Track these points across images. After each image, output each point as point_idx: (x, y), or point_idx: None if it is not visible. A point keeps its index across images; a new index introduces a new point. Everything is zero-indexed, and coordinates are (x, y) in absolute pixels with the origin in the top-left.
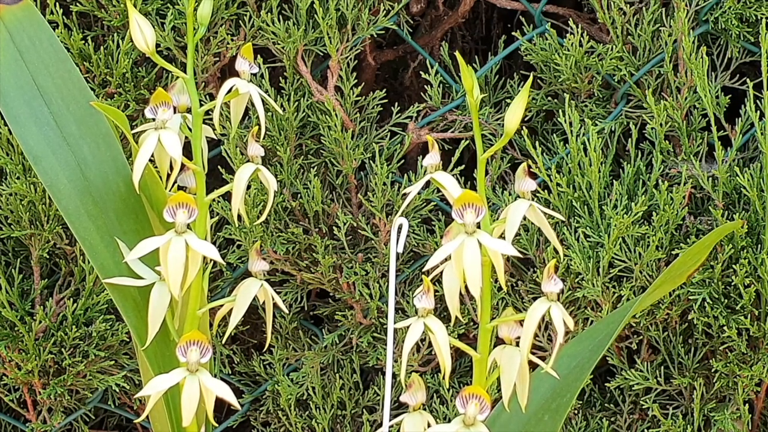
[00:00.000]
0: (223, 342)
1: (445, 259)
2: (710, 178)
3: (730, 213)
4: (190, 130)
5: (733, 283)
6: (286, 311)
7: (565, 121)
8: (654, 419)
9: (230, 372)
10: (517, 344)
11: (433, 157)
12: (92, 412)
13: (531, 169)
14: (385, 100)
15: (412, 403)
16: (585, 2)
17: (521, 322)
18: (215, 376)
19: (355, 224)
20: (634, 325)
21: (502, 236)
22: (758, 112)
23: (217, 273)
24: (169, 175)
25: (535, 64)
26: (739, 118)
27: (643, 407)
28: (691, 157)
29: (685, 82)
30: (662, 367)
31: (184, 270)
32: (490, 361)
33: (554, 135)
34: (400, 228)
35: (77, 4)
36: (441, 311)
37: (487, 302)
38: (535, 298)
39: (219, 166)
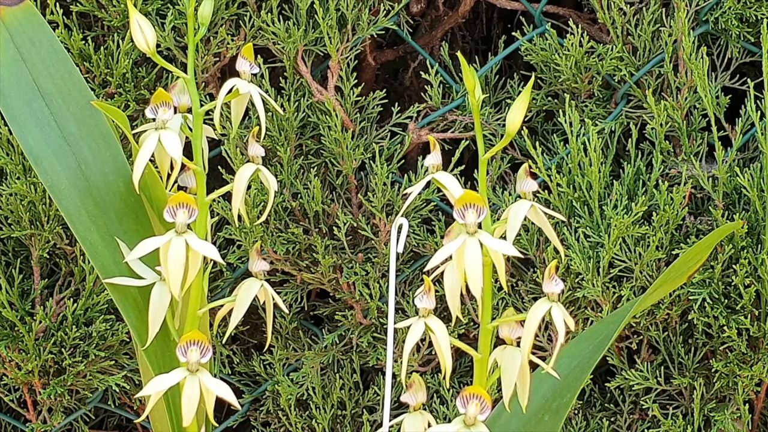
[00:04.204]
0: (223, 342)
1: (446, 259)
2: (710, 178)
3: (730, 213)
4: (191, 130)
5: (733, 283)
6: (286, 311)
7: (565, 121)
8: (654, 419)
9: (230, 372)
10: (518, 344)
11: (434, 158)
12: (92, 412)
13: (531, 170)
14: (385, 100)
15: (413, 403)
16: (585, 2)
17: (522, 323)
18: (215, 376)
19: (355, 224)
20: (634, 325)
21: (502, 236)
22: (758, 112)
23: (217, 273)
24: (169, 175)
25: (535, 64)
26: (739, 118)
27: (643, 407)
28: (691, 157)
29: (685, 82)
30: (662, 367)
31: (184, 270)
32: (491, 362)
33: (554, 135)
34: (400, 228)
35: (77, 4)
36: (441, 311)
37: (488, 302)
38: (535, 298)
39: (219, 166)
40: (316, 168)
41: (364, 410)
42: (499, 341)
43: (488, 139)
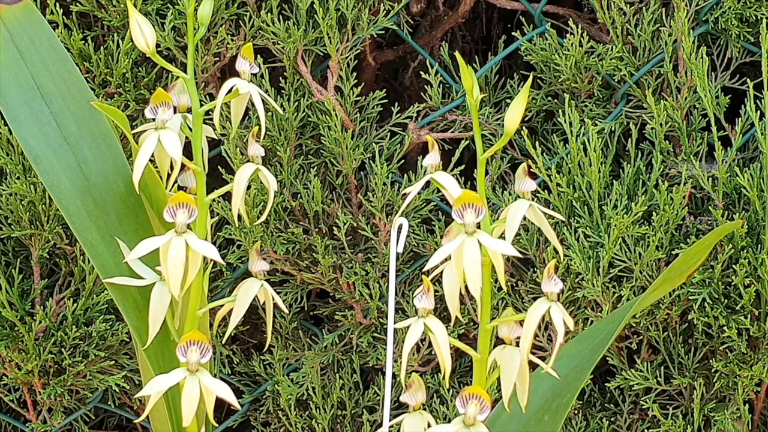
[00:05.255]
0: (223, 342)
1: (445, 259)
2: (710, 178)
3: (730, 213)
4: (191, 130)
5: (733, 283)
6: (286, 311)
7: (565, 121)
8: (654, 419)
9: (230, 372)
10: (517, 344)
11: (433, 158)
12: (92, 412)
13: (531, 169)
14: (385, 100)
15: (412, 403)
16: (585, 2)
17: (521, 322)
18: (215, 376)
19: (355, 224)
20: (634, 325)
21: (502, 236)
22: (758, 112)
23: (217, 273)
24: (169, 175)
25: (535, 64)
26: (739, 118)
27: (643, 407)
28: (691, 157)
29: (685, 82)
30: (662, 367)
31: (184, 270)
32: (490, 361)
33: (554, 135)
34: (400, 228)
35: (77, 4)
36: (441, 311)
37: (487, 302)
38: (535, 298)
39: (219, 166)
40: (315, 168)
41: (364, 410)
42: (498, 341)
43: (488, 139)
